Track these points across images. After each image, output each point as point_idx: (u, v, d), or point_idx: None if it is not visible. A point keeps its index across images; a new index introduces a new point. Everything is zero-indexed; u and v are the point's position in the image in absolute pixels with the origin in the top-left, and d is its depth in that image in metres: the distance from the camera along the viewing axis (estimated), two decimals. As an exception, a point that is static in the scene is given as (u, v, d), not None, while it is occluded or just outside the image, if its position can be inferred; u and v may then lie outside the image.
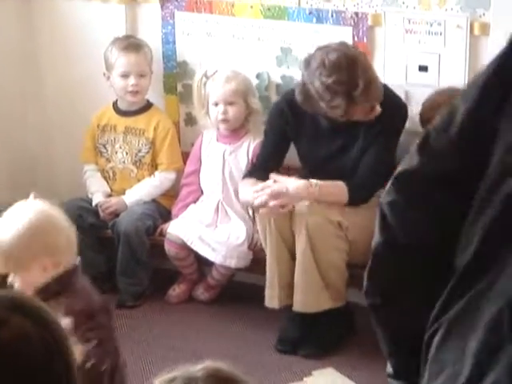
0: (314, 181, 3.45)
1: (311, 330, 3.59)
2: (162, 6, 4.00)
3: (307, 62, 3.40)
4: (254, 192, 3.47)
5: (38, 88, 4.28)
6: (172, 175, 4.02)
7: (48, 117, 4.32)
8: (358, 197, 3.47)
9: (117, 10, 4.06)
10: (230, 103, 3.79)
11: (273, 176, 3.52)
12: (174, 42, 4.02)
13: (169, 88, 4.10)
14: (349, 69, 3.32)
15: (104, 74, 3.99)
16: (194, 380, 1.36)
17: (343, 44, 3.44)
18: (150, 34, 4.05)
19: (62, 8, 4.15)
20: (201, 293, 3.95)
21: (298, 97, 3.43)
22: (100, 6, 4.08)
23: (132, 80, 3.93)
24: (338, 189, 3.47)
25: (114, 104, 4.06)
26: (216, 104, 3.81)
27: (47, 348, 1.29)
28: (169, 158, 4.00)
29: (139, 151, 4.03)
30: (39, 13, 4.20)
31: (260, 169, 3.66)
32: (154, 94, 4.08)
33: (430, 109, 3.40)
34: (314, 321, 3.58)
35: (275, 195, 3.42)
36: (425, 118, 3.42)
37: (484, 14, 3.47)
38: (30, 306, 1.32)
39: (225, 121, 3.81)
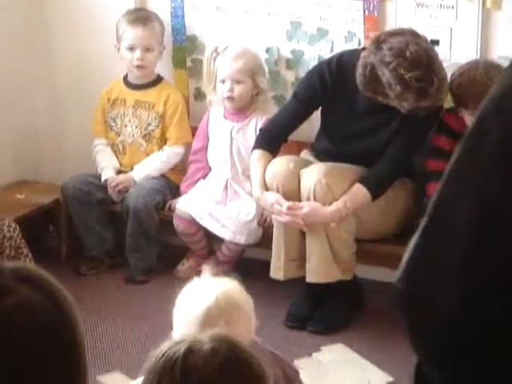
0: (341, 203, 3.39)
1: (320, 306, 3.59)
2: (171, -20, 3.97)
3: (378, 45, 3.29)
4: (283, 207, 3.40)
5: (49, 62, 4.26)
6: (181, 150, 4.01)
7: (58, 91, 4.30)
8: (379, 194, 3.44)
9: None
10: (237, 81, 3.76)
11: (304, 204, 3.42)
12: (183, 16, 4.00)
13: (178, 62, 4.07)
14: (428, 65, 3.25)
15: (115, 46, 3.97)
16: (200, 343, 1.39)
17: (416, 34, 3.33)
18: (160, 8, 4.03)
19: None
20: (210, 269, 3.94)
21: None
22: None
23: (138, 54, 3.90)
24: (362, 198, 3.41)
25: (125, 78, 4.05)
26: (223, 81, 3.78)
27: (53, 319, 1.28)
28: (178, 132, 3.99)
29: (149, 125, 4.01)
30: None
31: (272, 138, 3.60)
32: (163, 68, 4.06)
33: (467, 84, 3.35)
34: (323, 297, 3.58)
35: (304, 218, 3.39)
36: (457, 93, 3.39)
37: (496, -12, 3.43)
38: (39, 278, 1.31)
39: (230, 98, 3.78)
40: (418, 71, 3.23)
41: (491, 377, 1.22)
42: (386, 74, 3.26)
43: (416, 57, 3.24)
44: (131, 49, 3.91)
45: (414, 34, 3.32)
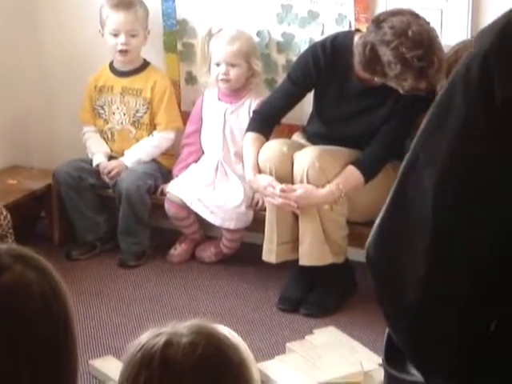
0: (334, 185, 3.40)
1: (313, 289, 3.60)
2: (161, -37, 3.95)
3: (378, 24, 3.28)
4: (276, 189, 3.41)
5: (37, 48, 4.24)
6: (171, 135, 4.00)
7: (47, 77, 4.29)
8: (372, 175, 3.45)
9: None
10: (232, 64, 3.76)
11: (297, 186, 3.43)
12: (174, 0, 3.98)
13: (169, 46, 4.06)
14: (429, 46, 3.23)
15: (99, 31, 3.95)
16: (178, 335, 1.39)
17: (416, 14, 3.31)
18: (150, -8, 4.01)
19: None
20: (208, 256, 3.94)
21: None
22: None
23: (122, 39, 3.88)
24: (355, 180, 3.42)
25: (111, 64, 4.03)
26: (218, 64, 3.78)
27: (45, 295, 1.36)
28: (167, 117, 3.98)
29: (137, 111, 4.00)
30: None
31: (266, 120, 3.60)
32: (154, 52, 4.05)
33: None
34: (316, 280, 3.59)
35: (298, 200, 3.40)
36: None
37: (487, -31, 3.44)
38: (31, 257, 1.39)
39: (225, 81, 3.78)
40: (420, 51, 3.22)
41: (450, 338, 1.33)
42: (386, 53, 3.25)
43: (418, 36, 3.23)
44: (115, 34, 3.89)
45: (414, 15, 3.31)
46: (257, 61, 3.79)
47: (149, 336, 1.41)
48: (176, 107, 4.02)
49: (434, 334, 1.34)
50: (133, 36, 3.89)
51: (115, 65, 4.02)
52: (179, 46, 4.03)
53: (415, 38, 3.23)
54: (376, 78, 3.36)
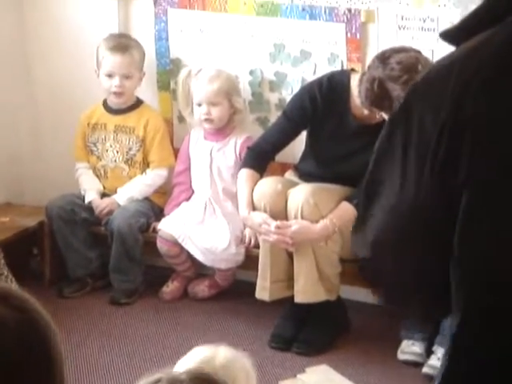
0: (328, 220, 3.40)
1: (305, 327, 3.59)
2: (154, 3, 3.99)
3: (383, 60, 3.26)
4: (271, 226, 3.41)
5: (29, 84, 4.26)
6: (164, 172, 4.02)
7: (39, 117, 4.30)
8: None
9: (109, 5, 4.05)
10: (214, 104, 3.78)
11: (292, 222, 3.44)
12: (167, 39, 4.01)
13: (162, 85, 4.09)
14: None
15: (95, 71, 3.97)
16: (178, 380, 1.37)
17: (419, 51, 3.32)
18: (143, 31, 4.04)
19: (54, 3, 4.13)
20: (201, 290, 3.94)
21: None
22: (92, 1, 4.07)
23: (116, 81, 3.91)
24: (349, 215, 3.39)
25: (104, 102, 4.05)
26: (199, 104, 3.80)
27: (25, 339, 1.28)
28: (160, 155, 3.99)
29: (130, 149, 4.02)
30: (30, 7, 4.18)
31: (260, 157, 3.61)
32: (148, 91, 4.07)
33: None
34: (308, 318, 3.58)
35: (293, 236, 3.40)
36: None
37: (477, 11, 3.48)
38: (16, 297, 1.31)
39: (208, 120, 3.80)
40: None
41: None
42: (396, 88, 3.21)
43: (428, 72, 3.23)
44: (110, 75, 3.92)
45: (417, 51, 3.33)
46: (238, 98, 3.81)
47: (147, 381, 1.37)
48: (169, 145, 4.04)
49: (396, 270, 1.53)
50: (127, 78, 3.92)
51: (109, 103, 4.04)
52: (172, 85, 4.06)
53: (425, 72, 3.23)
54: (378, 115, 3.36)
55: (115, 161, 4.03)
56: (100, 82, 3.97)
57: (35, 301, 1.34)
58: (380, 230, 1.50)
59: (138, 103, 4.02)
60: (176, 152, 4.05)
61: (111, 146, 4.03)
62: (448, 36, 1.46)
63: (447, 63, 1.44)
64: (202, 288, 3.94)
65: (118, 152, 4.02)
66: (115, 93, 3.93)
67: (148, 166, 4.01)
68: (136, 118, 4.00)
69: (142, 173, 4.01)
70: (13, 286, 3.32)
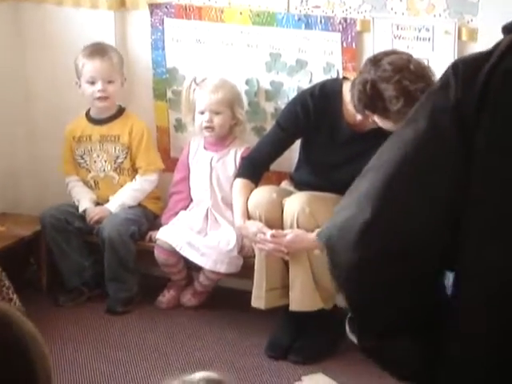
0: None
1: (301, 336, 3.59)
2: (151, 13, 4.00)
3: (375, 62, 3.28)
4: (266, 234, 3.42)
5: (25, 96, 4.26)
6: (152, 177, 4.02)
7: (34, 130, 4.30)
8: None
9: (106, 16, 4.06)
10: (216, 112, 3.79)
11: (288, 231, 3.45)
12: (164, 49, 4.03)
13: (158, 94, 4.10)
14: (430, 79, 3.24)
15: (76, 83, 3.98)
16: None
17: (410, 54, 3.34)
18: (140, 41, 4.05)
19: (51, 14, 4.14)
20: (188, 299, 3.95)
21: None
22: (89, 12, 4.08)
23: (99, 85, 3.91)
24: None
25: (87, 113, 4.05)
26: (202, 112, 3.81)
27: (9, 355, 1.26)
28: (146, 160, 4.00)
29: (117, 157, 4.02)
30: (27, 19, 4.18)
31: (255, 166, 3.62)
32: (144, 100, 4.08)
33: None
34: (304, 327, 3.59)
35: (288, 245, 3.42)
36: None
37: (472, 20, 3.50)
38: (3, 312, 1.30)
39: (209, 128, 3.81)
40: (423, 83, 3.21)
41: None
42: (388, 88, 3.23)
43: (420, 70, 3.25)
44: (92, 82, 3.92)
45: (409, 54, 3.35)
46: (240, 109, 3.82)
47: None
48: (155, 149, 4.04)
49: (375, 292, 1.57)
50: (109, 82, 3.93)
51: (92, 113, 4.04)
52: (169, 94, 4.07)
53: (417, 71, 3.24)
54: (371, 119, 3.37)
55: (104, 170, 4.04)
56: (80, 93, 3.96)
57: (19, 314, 1.32)
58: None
59: (121, 111, 4.03)
60: (172, 161, 4.05)
61: (98, 156, 4.03)
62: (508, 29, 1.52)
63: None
64: (188, 297, 3.95)
65: (106, 161, 4.03)
66: (99, 98, 3.92)
67: (136, 172, 4.02)
68: (120, 126, 4.00)
69: (131, 180, 4.01)
70: (14, 297, 3.33)
